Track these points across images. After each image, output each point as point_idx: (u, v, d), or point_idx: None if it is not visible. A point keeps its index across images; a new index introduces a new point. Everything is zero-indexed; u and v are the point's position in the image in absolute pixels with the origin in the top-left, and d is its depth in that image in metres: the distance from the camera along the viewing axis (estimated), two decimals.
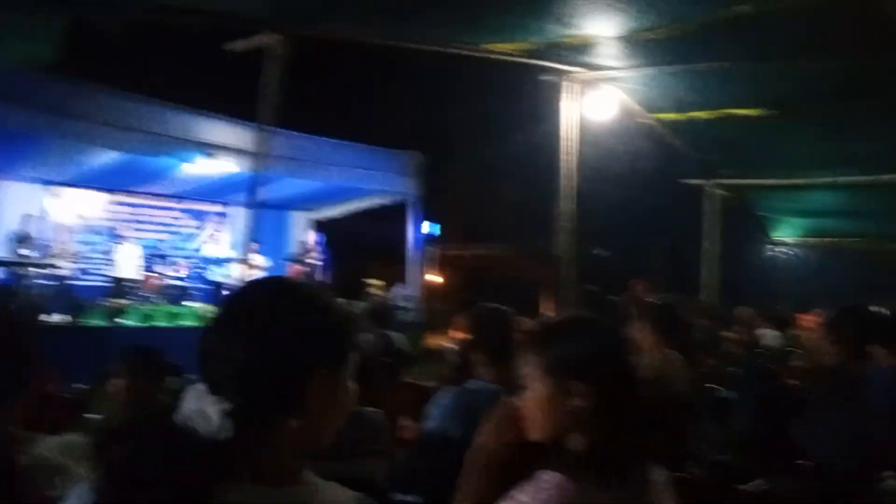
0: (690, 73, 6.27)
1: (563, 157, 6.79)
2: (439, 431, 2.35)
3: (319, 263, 12.50)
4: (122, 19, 4.41)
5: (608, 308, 3.60)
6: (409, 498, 2.30)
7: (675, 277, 13.30)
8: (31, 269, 9.73)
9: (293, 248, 13.19)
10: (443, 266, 18.54)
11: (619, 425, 1.32)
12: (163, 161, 10.15)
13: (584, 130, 7.14)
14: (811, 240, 14.04)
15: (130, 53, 13.67)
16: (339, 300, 1.07)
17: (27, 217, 10.48)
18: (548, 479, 1.26)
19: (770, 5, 4.62)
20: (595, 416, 1.32)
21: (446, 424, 2.35)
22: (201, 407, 0.91)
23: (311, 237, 12.91)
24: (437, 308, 15.77)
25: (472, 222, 20.58)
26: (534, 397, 1.41)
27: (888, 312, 4.51)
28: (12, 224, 10.44)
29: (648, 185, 12.39)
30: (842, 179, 9.08)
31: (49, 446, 1.60)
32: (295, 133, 11.06)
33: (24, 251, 9.96)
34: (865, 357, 2.72)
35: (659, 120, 7.73)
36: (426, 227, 14.56)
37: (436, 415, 2.38)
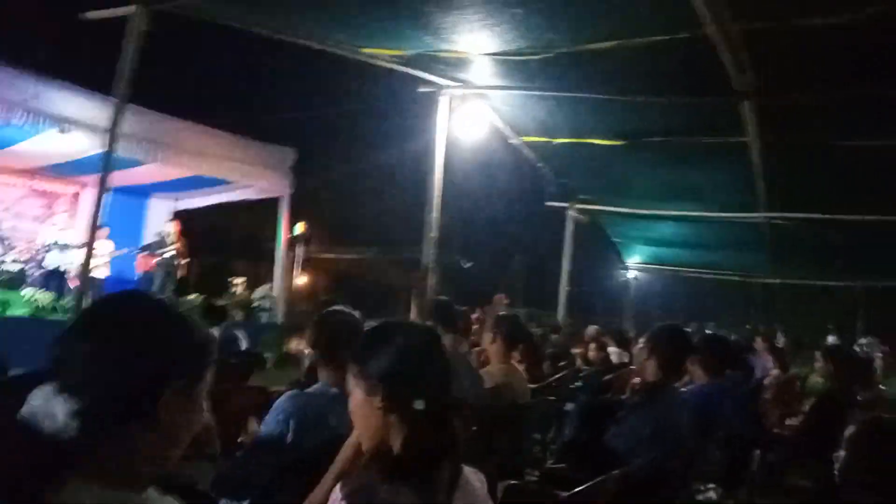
0: (554, 99, 6.63)
1: (434, 168, 6.91)
2: (272, 435, 2.31)
3: (175, 255, 11.79)
4: None
5: (457, 317, 3.71)
6: None
7: (535, 293, 13.96)
8: None
9: (149, 237, 12.40)
10: (309, 267, 18.24)
11: (415, 428, 1.39)
12: (9, 132, 9.19)
13: (457, 145, 7.32)
14: (656, 266, 15.24)
15: None
16: (195, 319, 1.13)
17: None
18: (332, 498, 1.32)
19: (625, 43, 5.00)
20: (394, 420, 1.39)
21: (281, 427, 2.31)
22: (47, 406, 0.92)
23: (171, 227, 12.17)
24: (301, 310, 15.47)
25: (341, 225, 20.42)
26: (354, 402, 1.48)
27: (708, 332, 5.00)
28: None
29: (515, 204, 12.95)
30: (683, 213, 9.95)
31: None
32: (161, 115, 10.43)
33: None
34: (679, 372, 2.99)
35: (525, 141, 8.08)
36: (298, 226, 14.23)
37: (270, 418, 2.34)
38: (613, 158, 8.26)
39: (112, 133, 5.25)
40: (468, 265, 15.11)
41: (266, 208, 13.91)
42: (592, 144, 7.55)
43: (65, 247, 10.75)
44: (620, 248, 14.14)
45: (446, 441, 1.40)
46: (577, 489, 2.35)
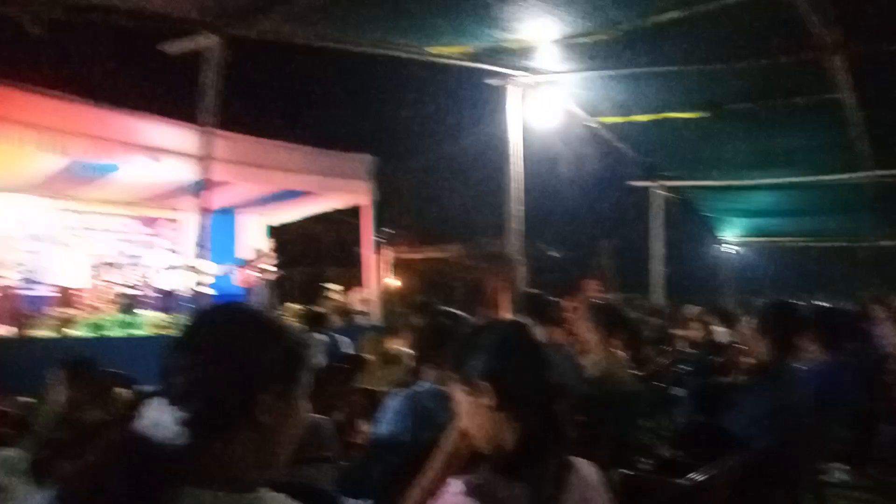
0: (628, 77, 6.45)
1: (510, 159, 6.88)
2: (388, 435, 2.38)
3: (272, 268, 12.32)
4: (45, 17, 4.28)
5: (551, 308, 3.68)
6: (358, 503, 2.32)
7: (624, 277, 13.61)
8: None
9: (244, 253, 12.99)
10: (398, 269, 18.53)
11: (524, 423, 1.39)
12: (107, 166, 9.88)
13: (530, 133, 7.26)
14: (753, 239, 14.54)
15: (58, 53, 13.26)
16: (293, 324, 1.23)
17: None
18: (450, 491, 1.32)
19: (696, 10, 4.80)
20: (502, 417, 1.40)
21: (395, 428, 2.38)
22: (159, 416, 0.99)
23: (263, 242, 12.73)
24: (395, 311, 15.78)
25: (424, 225, 20.61)
26: (459, 405, 1.50)
27: (820, 306, 4.75)
28: None
29: (596, 187, 12.65)
30: (779, 180, 9.45)
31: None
32: (244, 136, 10.92)
33: None
34: (793, 350, 2.85)
35: (602, 123, 7.90)
36: (381, 230, 14.50)
37: (385, 419, 2.41)
38: (696, 131, 7.95)
39: (204, 159, 5.52)
40: (555, 254, 14.92)
41: (352, 215, 14.28)
42: (673, 119, 7.30)
43: (173, 268, 11.48)
44: (713, 223, 13.59)
45: (555, 433, 1.41)
46: (695, 475, 2.29)
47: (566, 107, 7.40)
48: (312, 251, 22.16)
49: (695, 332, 6.98)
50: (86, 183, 11.49)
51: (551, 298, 3.78)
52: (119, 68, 14.81)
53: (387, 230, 13.41)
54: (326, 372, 4.42)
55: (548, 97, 7.07)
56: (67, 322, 9.10)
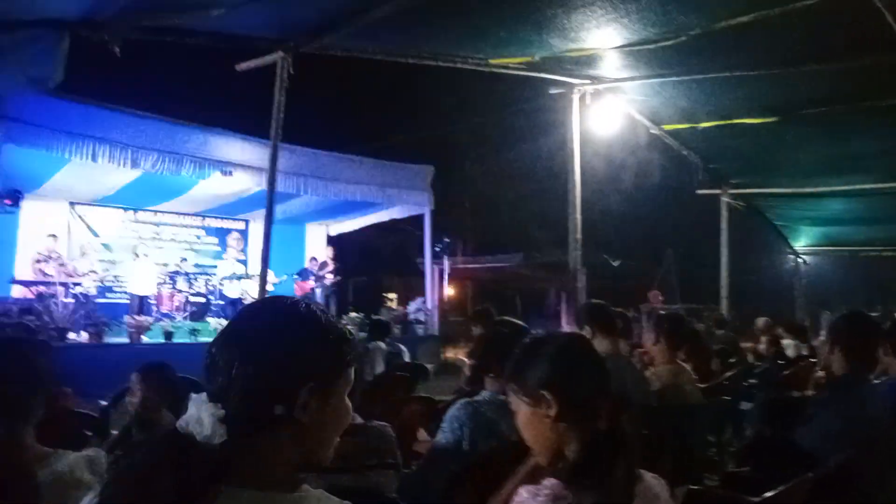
0: (694, 83, 6.30)
1: (573, 168, 6.82)
2: (448, 443, 2.39)
3: (332, 277, 12.58)
4: (126, 39, 4.51)
5: (614, 319, 3.62)
6: None
7: (691, 287, 13.25)
8: (54, 287, 9.92)
9: (304, 262, 13.31)
10: (457, 278, 18.61)
11: (586, 434, 1.39)
12: (181, 179, 10.32)
13: (594, 142, 7.19)
14: (825, 248, 13.92)
15: (137, 72, 13.93)
16: (336, 319, 1.13)
17: (50, 236, 10.73)
18: (548, 485, 1.32)
19: (767, 14, 4.65)
20: (564, 428, 1.41)
21: (454, 436, 2.39)
22: (199, 413, 0.97)
23: (324, 251, 13.02)
24: (453, 321, 15.82)
25: (484, 234, 20.64)
26: (520, 418, 1.50)
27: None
28: (36, 243, 10.68)
29: (662, 195, 12.38)
30: (853, 187, 9.03)
31: (69, 462, 1.63)
32: (310, 149, 11.23)
33: (47, 270, 10.18)
34: (871, 364, 2.71)
35: (666, 130, 7.73)
36: (439, 239, 14.61)
37: (446, 427, 2.42)
38: (766, 136, 7.69)
39: (272, 171, 5.70)
40: (617, 264, 14.67)
41: (410, 224, 14.44)
42: (742, 124, 7.08)
43: (240, 277, 11.86)
44: (784, 232, 13.07)
45: (619, 445, 1.39)
46: (768, 493, 2.20)
47: (629, 114, 7.28)
48: (371, 260, 22.50)
49: (763, 345, 6.73)
50: (158, 195, 12.05)
51: (615, 309, 3.71)
52: (190, 86, 15.48)
53: (445, 240, 13.50)
54: (388, 380, 4.47)
55: (610, 105, 6.98)
56: (140, 329, 9.51)
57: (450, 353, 12.15)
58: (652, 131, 7.68)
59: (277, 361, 1.01)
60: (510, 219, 19.45)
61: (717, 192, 10.07)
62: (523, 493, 1.34)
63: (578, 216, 6.77)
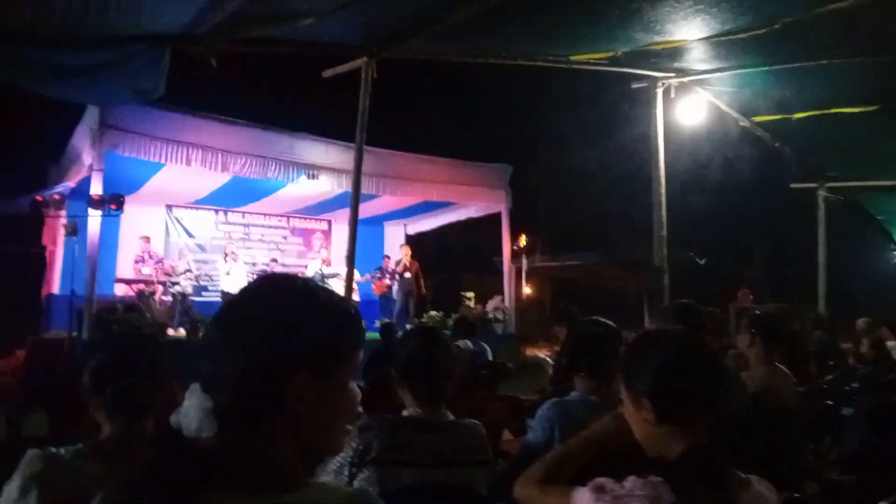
0: (786, 73, 6.00)
1: (657, 164, 6.66)
2: (538, 442, 2.40)
3: (407, 276, 12.74)
4: (222, 51, 4.74)
5: (703, 319, 3.51)
6: None
7: (783, 286, 12.64)
8: (153, 286, 10.53)
9: (383, 261, 13.55)
10: (535, 277, 18.45)
11: (688, 439, 1.37)
12: (269, 182, 10.75)
13: (678, 136, 6.98)
14: None
15: (227, 80, 14.57)
16: (342, 298, 1.04)
17: (144, 238, 11.39)
18: (653, 481, 1.31)
19: None
20: (664, 430, 1.39)
21: (544, 435, 2.40)
22: (190, 405, 0.89)
23: (401, 251, 13.22)
24: (531, 320, 15.74)
25: (562, 233, 20.41)
26: (626, 411, 1.49)
27: None
28: (135, 245, 11.37)
29: (752, 191, 11.89)
30: None
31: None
32: (389, 151, 11.44)
33: (146, 270, 10.82)
34: None
35: (757, 122, 7.41)
36: (519, 238, 14.54)
37: (536, 426, 2.43)
38: (865, 126, 7.24)
39: (356, 173, 5.85)
40: (703, 262, 14.18)
41: (487, 223, 14.45)
42: (839, 114, 6.70)
43: (326, 276, 12.23)
44: (888, 227, 12.27)
45: (720, 451, 1.36)
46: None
47: (717, 107, 7.03)
48: (448, 259, 22.68)
49: (864, 347, 6.36)
50: (246, 197, 12.58)
51: (706, 308, 3.59)
52: (277, 92, 16.07)
53: (523, 238, 13.43)
54: (472, 379, 4.51)
55: (697, 98, 6.77)
56: None
57: (529, 352, 12.10)
58: (741, 124, 7.39)
59: (268, 345, 0.90)
60: (589, 216, 19.17)
61: (813, 185, 9.58)
62: (630, 481, 1.34)
63: (664, 212, 6.60)
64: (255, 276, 11.83)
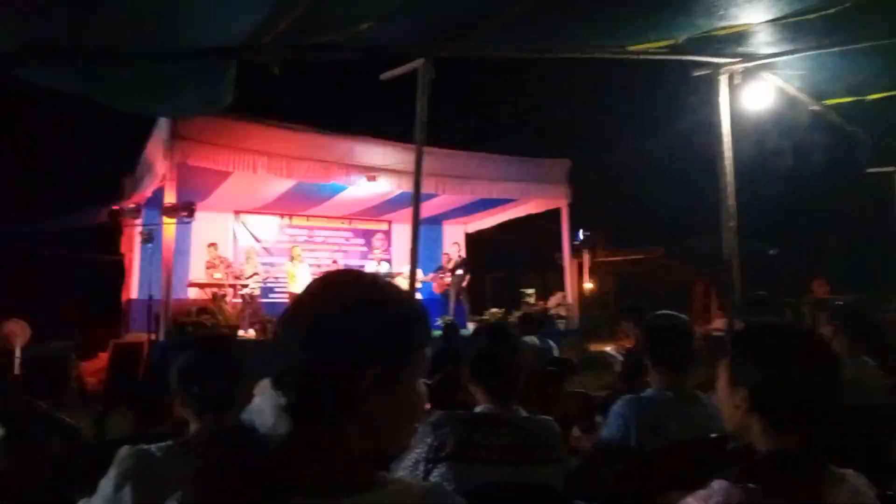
0: (859, 52, 5.69)
1: (723, 152, 6.44)
2: (613, 440, 2.37)
3: (464, 274, 12.77)
4: (285, 59, 4.86)
5: (781, 311, 3.39)
6: None
7: (861, 275, 12.02)
8: (224, 289, 10.91)
9: (442, 260, 13.61)
10: (596, 272, 18.20)
11: (779, 433, 1.33)
12: (331, 185, 10.96)
13: (744, 123, 6.73)
14: None
15: (293, 88, 14.91)
16: (410, 295, 1.04)
17: (216, 244, 11.81)
18: (717, 488, 1.28)
19: None
20: (756, 419, 1.35)
21: (620, 433, 2.37)
22: (262, 402, 0.89)
23: (456, 249, 13.25)
24: (594, 315, 15.50)
25: (624, 226, 20.01)
26: (719, 392, 1.47)
27: None
28: (205, 250, 11.81)
29: (824, 177, 11.37)
30: None
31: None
32: (446, 150, 11.48)
33: (216, 274, 11.22)
34: None
35: (829, 106, 7.06)
36: (578, 233, 14.37)
37: (611, 423, 2.40)
38: None
39: (417, 174, 5.91)
40: (774, 252, 13.65)
41: (547, 219, 14.32)
42: None
43: (388, 276, 12.39)
44: None
45: (818, 444, 1.32)
46: None
47: (784, 91, 6.74)
48: (508, 256, 22.60)
49: None
50: (310, 201, 12.87)
51: (782, 300, 3.47)
52: (337, 97, 16.35)
53: (584, 233, 13.26)
54: (539, 375, 4.49)
55: (763, 83, 6.51)
56: None
57: (593, 348, 11.93)
58: (811, 108, 7.06)
59: (338, 342, 0.90)
60: (652, 209, 18.73)
61: (891, 169, 9.08)
62: (690, 500, 1.31)
63: (732, 203, 6.38)
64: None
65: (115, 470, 1.60)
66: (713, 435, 2.38)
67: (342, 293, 0.96)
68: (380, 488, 0.90)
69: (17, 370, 7.87)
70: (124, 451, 1.63)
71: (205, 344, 1.92)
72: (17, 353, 7.84)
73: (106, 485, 1.60)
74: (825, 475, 1.31)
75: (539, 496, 2.05)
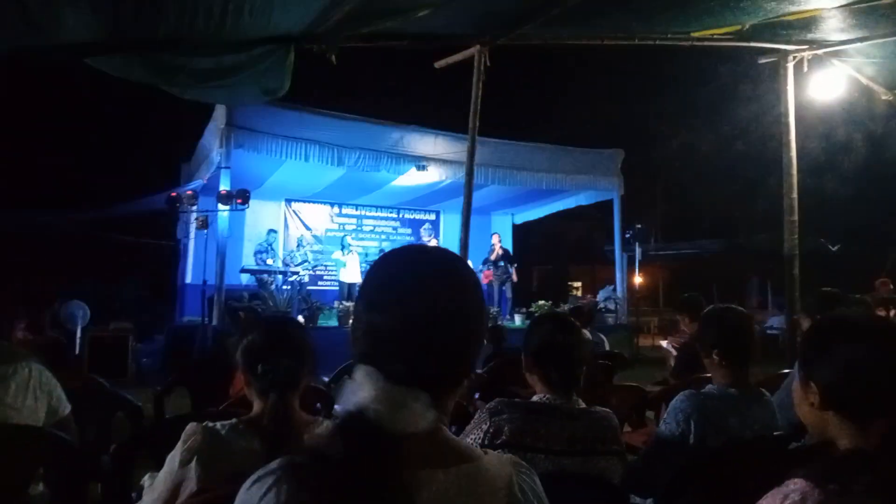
0: None
1: (788, 143, 6.20)
2: (672, 435, 2.31)
3: (505, 266, 12.67)
4: (342, 47, 4.89)
5: (850, 307, 3.24)
6: (648, 502, 2.29)
7: None
8: (274, 275, 11.12)
9: (489, 252, 13.57)
10: (648, 266, 17.84)
11: (855, 431, 1.27)
12: (381, 175, 11.03)
13: (810, 114, 6.48)
14: None
15: (347, 77, 15.06)
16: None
17: (270, 231, 12.03)
18: (793, 487, 1.23)
19: None
20: (831, 416, 1.31)
21: (679, 429, 2.30)
22: (360, 381, 0.90)
23: (497, 239, 13.16)
24: (645, 310, 15.24)
25: (678, 219, 19.59)
26: (795, 392, 1.42)
27: None
28: (259, 238, 12.04)
29: (891, 171, 10.87)
30: None
31: (325, 428, 1.81)
32: (496, 140, 11.41)
33: (269, 261, 11.44)
34: None
35: None
36: (630, 226, 14.11)
37: (669, 418, 2.34)
38: None
39: (469, 163, 5.87)
40: (836, 249, 13.13)
41: (596, 210, 14.12)
42: None
43: None
44: None
45: (893, 448, 1.25)
46: None
47: (855, 80, 6.45)
48: (556, 249, 22.38)
49: None
50: (359, 191, 12.98)
51: (854, 297, 3.33)
52: (388, 86, 16.43)
53: (637, 226, 13.02)
54: (591, 368, 4.42)
55: (833, 71, 6.24)
56: (348, 314, 10.33)
57: (642, 343, 11.74)
58: (884, 97, 6.74)
59: (452, 324, 0.93)
60: (707, 202, 18.25)
61: None
62: (767, 499, 1.26)
63: (795, 196, 6.15)
64: (368, 266, 12.26)
65: (182, 445, 1.63)
66: (776, 433, 2.30)
67: (440, 274, 0.98)
68: (479, 459, 0.94)
69: (76, 351, 8.21)
70: (191, 427, 1.66)
71: (271, 325, 1.95)
72: (78, 333, 8.16)
73: (172, 460, 1.63)
74: None
75: (595, 488, 2.01)
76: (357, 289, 10.96)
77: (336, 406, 0.94)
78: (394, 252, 1.04)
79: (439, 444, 0.92)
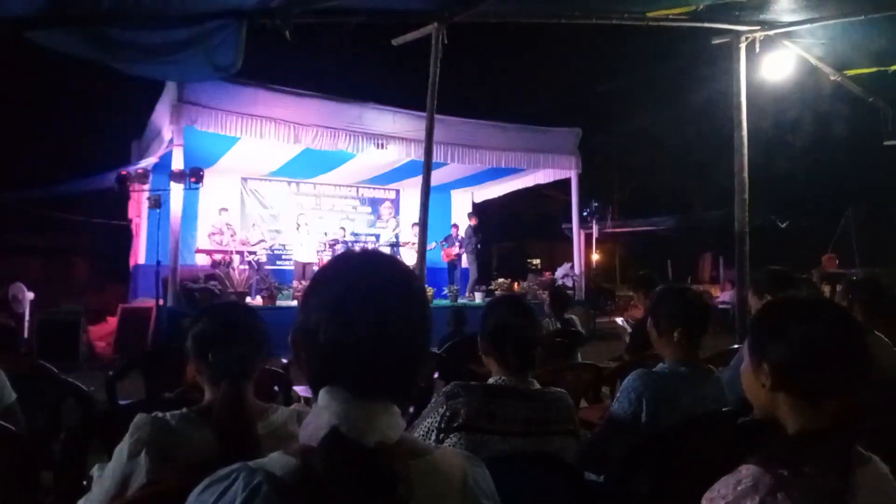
0: (884, 21, 5.53)
1: (740, 123, 6.33)
2: (625, 414, 2.36)
3: (472, 243, 12.73)
4: (297, 23, 4.76)
5: (798, 287, 3.34)
6: (600, 479, 2.34)
7: (875, 249, 11.90)
8: (230, 255, 10.92)
9: (451, 230, 13.57)
10: (605, 243, 18.12)
11: (805, 413, 1.30)
12: (339, 153, 10.89)
13: (761, 93, 6.61)
14: None
15: (303, 54, 14.74)
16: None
17: (225, 209, 11.79)
18: (745, 473, 1.25)
19: None
20: (782, 398, 1.32)
21: (634, 407, 2.35)
22: (362, 412, 0.91)
23: (467, 219, 13.19)
24: (602, 286, 15.50)
25: (634, 197, 19.91)
26: (742, 370, 1.43)
27: None
28: (213, 216, 11.79)
29: (840, 149, 11.20)
30: None
31: (283, 415, 1.77)
32: (455, 118, 11.36)
33: (223, 240, 11.22)
34: None
35: (849, 77, 6.91)
36: (587, 203, 14.28)
37: (622, 397, 2.38)
38: None
39: (428, 142, 5.84)
40: (784, 225, 13.52)
41: (554, 189, 14.22)
42: None
43: (395, 244, 12.38)
44: None
45: (842, 424, 1.29)
46: None
47: (804, 61, 6.60)
48: (514, 226, 22.54)
49: None
50: (317, 168, 12.80)
51: (800, 275, 3.43)
52: (345, 63, 16.15)
53: (593, 203, 13.17)
54: (551, 347, 4.48)
55: (784, 52, 6.38)
56: None
57: (599, 319, 11.95)
58: (832, 78, 6.91)
59: (429, 343, 1.04)
60: (661, 180, 18.58)
61: None
62: (718, 486, 1.28)
63: (746, 175, 6.30)
64: (326, 245, 12.20)
65: (131, 437, 1.59)
66: (725, 409, 2.36)
67: (411, 288, 1.00)
68: (432, 454, 0.98)
69: (25, 334, 7.96)
70: (140, 418, 1.62)
71: (221, 311, 1.89)
72: (26, 316, 7.90)
73: (121, 452, 1.59)
74: (853, 455, 1.28)
75: (551, 468, 2.04)
76: (312, 268, 10.86)
77: (302, 433, 0.93)
78: (346, 266, 1.03)
79: (403, 445, 0.96)
